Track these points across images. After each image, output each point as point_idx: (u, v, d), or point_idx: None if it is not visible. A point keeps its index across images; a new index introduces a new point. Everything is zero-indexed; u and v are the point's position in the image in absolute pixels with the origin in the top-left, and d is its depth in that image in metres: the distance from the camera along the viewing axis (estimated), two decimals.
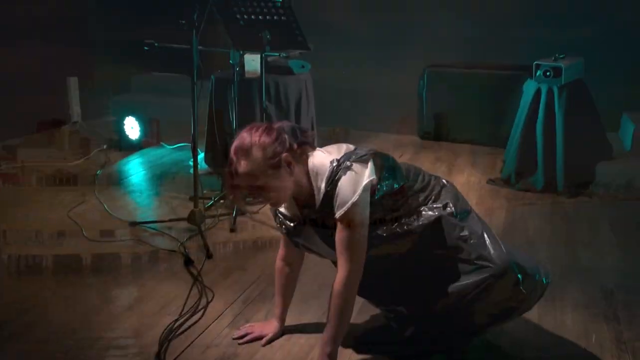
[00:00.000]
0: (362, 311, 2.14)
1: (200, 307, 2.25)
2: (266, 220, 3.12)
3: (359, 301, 1.95)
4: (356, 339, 1.98)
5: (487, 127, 4.33)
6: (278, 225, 1.92)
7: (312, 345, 1.98)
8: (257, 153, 1.65)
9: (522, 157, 3.57)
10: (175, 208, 3.31)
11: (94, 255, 2.71)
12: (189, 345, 2.01)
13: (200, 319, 2.18)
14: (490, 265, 1.73)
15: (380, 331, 2.07)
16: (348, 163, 1.70)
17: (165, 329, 2.08)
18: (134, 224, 3.09)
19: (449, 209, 1.82)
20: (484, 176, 3.79)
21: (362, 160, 1.72)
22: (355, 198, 1.66)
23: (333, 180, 1.69)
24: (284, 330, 2.06)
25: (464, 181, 3.69)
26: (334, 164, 1.71)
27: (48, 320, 2.17)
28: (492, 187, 3.62)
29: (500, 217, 3.18)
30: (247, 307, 2.27)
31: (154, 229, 3.04)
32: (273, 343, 2.01)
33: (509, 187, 3.59)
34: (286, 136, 1.70)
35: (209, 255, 2.68)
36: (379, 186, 1.73)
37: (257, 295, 2.36)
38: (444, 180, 1.93)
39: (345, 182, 1.68)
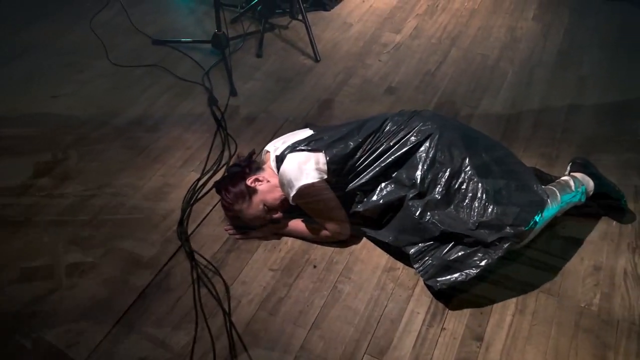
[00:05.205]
0: None
1: (222, 163, 2.24)
2: (295, 41, 2.87)
3: None
4: None
5: None
6: None
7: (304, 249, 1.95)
8: (237, 206, 1.88)
9: None
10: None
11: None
12: (211, 210, 2.06)
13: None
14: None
15: None
16: (285, 153, 1.84)
17: (187, 191, 2.12)
18: (157, 42, 2.93)
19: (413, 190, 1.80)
20: None
21: (300, 150, 1.83)
22: (294, 191, 1.77)
23: (278, 173, 1.85)
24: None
25: None
26: (277, 156, 1.88)
27: None
28: None
29: None
30: None
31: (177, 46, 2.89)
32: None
33: None
34: (237, 169, 1.93)
35: (233, 93, 2.57)
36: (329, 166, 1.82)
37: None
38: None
39: (284, 172, 1.80)
